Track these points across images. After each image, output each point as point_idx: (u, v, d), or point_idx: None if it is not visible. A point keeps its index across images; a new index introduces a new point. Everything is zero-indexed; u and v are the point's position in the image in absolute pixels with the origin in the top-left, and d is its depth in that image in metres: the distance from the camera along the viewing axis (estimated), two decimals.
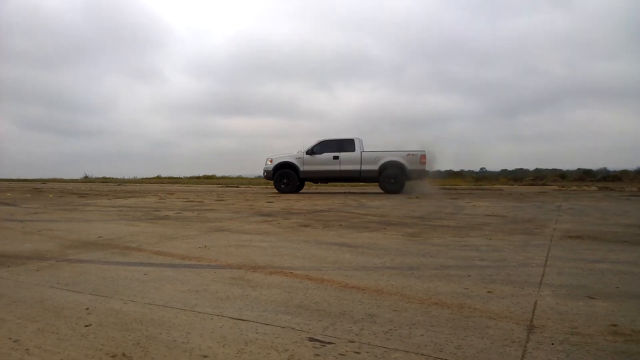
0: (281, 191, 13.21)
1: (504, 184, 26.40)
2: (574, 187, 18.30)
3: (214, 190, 17.33)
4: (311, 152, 13.16)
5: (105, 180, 37.98)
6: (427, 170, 12.86)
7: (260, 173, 14.64)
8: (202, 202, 9.19)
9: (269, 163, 13.48)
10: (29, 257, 3.24)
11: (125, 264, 2.99)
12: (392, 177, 12.65)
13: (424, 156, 12.47)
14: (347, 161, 12.91)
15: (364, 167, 12.84)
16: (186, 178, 34.94)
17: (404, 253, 3.42)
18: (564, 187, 18.54)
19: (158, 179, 37.69)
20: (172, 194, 12.77)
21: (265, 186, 20.37)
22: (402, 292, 2.31)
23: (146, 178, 40.87)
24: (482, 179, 33.37)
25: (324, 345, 1.58)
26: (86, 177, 45.41)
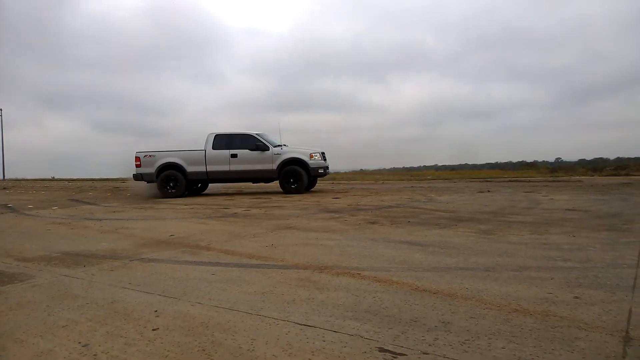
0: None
1: (583, 175, 24.40)
2: None
3: None
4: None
5: None
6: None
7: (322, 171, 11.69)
8: (269, 199, 9.43)
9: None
10: (105, 256, 3.50)
11: (194, 264, 3.13)
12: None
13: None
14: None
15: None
16: None
17: (478, 252, 3.25)
18: None
19: None
20: (240, 191, 13.25)
21: (328, 181, 20.47)
22: (478, 297, 2.19)
23: None
24: (557, 170, 31.14)
25: (395, 357, 1.52)
26: None
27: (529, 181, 16.18)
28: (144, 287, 2.53)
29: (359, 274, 2.70)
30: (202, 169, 10.90)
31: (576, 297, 2.16)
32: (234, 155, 10.94)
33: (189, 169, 10.84)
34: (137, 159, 10.95)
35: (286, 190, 10.86)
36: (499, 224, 4.64)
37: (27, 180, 44.18)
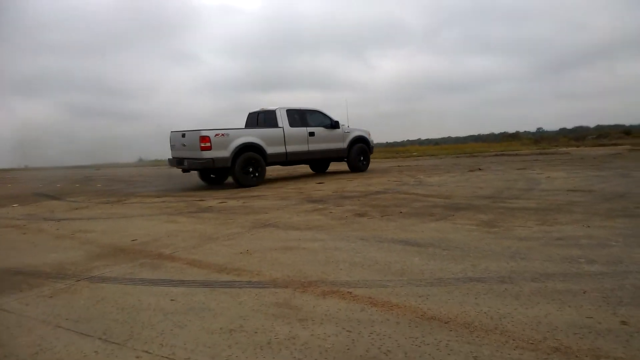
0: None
1: (566, 145, 24.39)
2: None
3: None
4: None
5: (157, 163, 39.14)
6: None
7: None
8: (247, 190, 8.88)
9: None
10: (49, 274, 2.95)
11: (152, 283, 2.60)
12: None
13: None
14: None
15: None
16: None
17: (486, 254, 2.80)
18: (638, 145, 16.58)
19: None
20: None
21: None
22: (501, 327, 1.73)
23: None
24: (541, 141, 31.19)
25: None
26: (140, 160, 47.04)
27: (516, 154, 15.93)
28: (83, 325, 2.01)
29: (350, 292, 2.22)
30: (281, 149, 9.31)
31: (624, 323, 1.72)
32: (311, 134, 9.83)
33: (269, 150, 9.03)
34: (206, 138, 8.28)
35: (358, 169, 10.66)
36: (500, 212, 4.21)
37: None
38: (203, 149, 8.22)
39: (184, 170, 9.47)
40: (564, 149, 18.94)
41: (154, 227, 4.48)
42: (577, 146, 21.74)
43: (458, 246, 3.03)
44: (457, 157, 19.06)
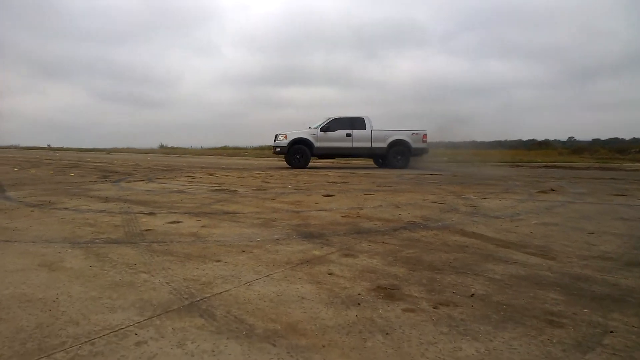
0: (293, 166, 13.50)
1: (607, 157, 21.51)
2: None
3: (267, 167, 15.02)
4: (325, 129, 13.71)
5: (173, 150, 37.69)
6: (428, 148, 14.56)
7: None
8: (234, 191, 6.67)
9: (283, 139, 13.61)
10: None
11: None
12: (399, 154, 14.07)
13: (425, 135, 14.28)
14: (359, 138, 13.86)
15: (374, 145, 14.00)
16: (250, 149, 33.43)
17: None
18: None
19: (223, 149, 36.58)
20: (212, 174, 10.48)
21: (327, 162, 17.78)
22: None
23: (211, 148, 40.13)
24: (580, 151, 28.38)
25: None
26: (162, 146, 46.08)
27: (575, 168, 13.30)
28: None
29: None
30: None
31: None
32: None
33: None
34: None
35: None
36: None
37: (18, 148, 41.84)
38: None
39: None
40: (629, 164, 16.12)
41: (19, 279, 2.27)
42: (620, 159, 18.88)
43: None
44: (498, 165, 16.48)
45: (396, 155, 13.97)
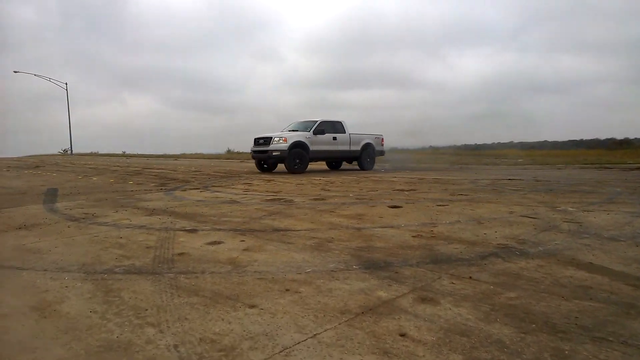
0: (294, 172, 12.87)
1: None
2: None
3: (327, 171, 14.46)
4: (318, 132, 13.49)
5: (238, 155, 38.44)
6: (384, 151, 16.05)
7: None
8: (290, 201, 6.12)
9: (283, 142, 12.78)
10: None
11: None
12: (369, 156, 15.02)
13: (382, 139, 15.64)
14: (342, 142, 14.20)
15: (352, 148, 14.52)
16: None
17: None
18: None
19: None
20: (270, 180, 10.04)
21: (380, 164, 16.96)
22: None
23: None
24: None
25: None
26: (229, 151, 47.49)
27: None
28: None
29: None
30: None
31: None
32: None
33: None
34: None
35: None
36: None
37: (92, 155, 45.07)
38: None
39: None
40: None
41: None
42: None
43: None
44: (582, 167, 14.69)
45: (367, 157, 14.91)
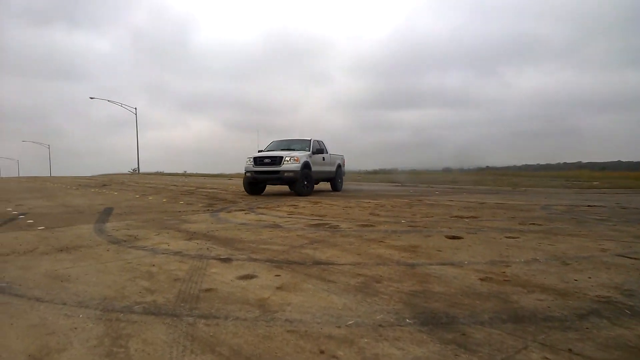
0: (303, 194, 11.79)
1: None
2: None
3: (378, 194, 13.79)
4: (316, 151, 12.85)
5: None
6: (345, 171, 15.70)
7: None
8: (336, 227, 5.61)
9: (295, 162, 11.59)
10: None
11: None
12: (339, 177, 14.72)
13: (344, 160, 15.29)
14: (329, 162, 13.82)
15: (330, 168, 13.97)
16: (361, 173, 32.68)
17: None
18: None
19: None
20: (317, 202, 9.58)
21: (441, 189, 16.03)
22: None
23: None
24: None
25: None
26: None
27: None
28: None
29: None
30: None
31: None
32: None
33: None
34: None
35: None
36: None
37: (157, 174, 47.25)
38: None
39: None
40: None
41: None
42: None
43: None
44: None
45: (338, 178, 14.56)
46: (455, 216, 6.68)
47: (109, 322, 2.20)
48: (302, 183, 11.74)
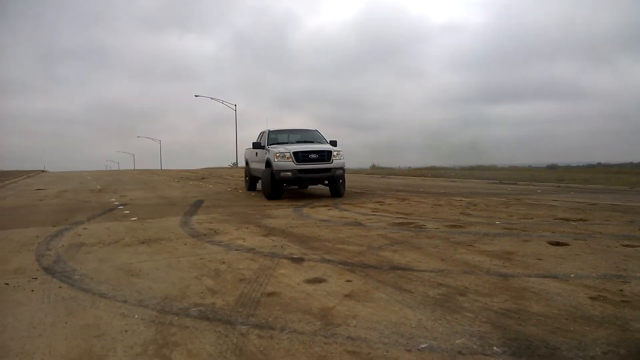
0: (342, 195, 9.98)
1: None
2: None
3: (471, 191, 12.81)
4: (333, 144, 10.45)
5: (380, 170, 38.18)
6: None
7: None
8: (421, 226, 5.22)
9: (341, 157, 9.74)
10: None
11: None
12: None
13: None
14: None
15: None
16: (456, 169, 30.96)
17: None
18: None
19: (429, 170, 35.01)
20: (405, 199, 9.12)
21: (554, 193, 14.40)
22: None
23: (418, 169, 39.08)
24: None
25: None
26: (373, 166, 47.95)
27: None
28: None
29: None
30: None
31: None
32: None
33: None
34: None
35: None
36: None
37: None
38: None
39: None
40: None
41: None
42: None
43: None
44: None
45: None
46: (560, 218, 5.86)
47: (161, 325, 2.17)
48: (344, 182, 10.36)
